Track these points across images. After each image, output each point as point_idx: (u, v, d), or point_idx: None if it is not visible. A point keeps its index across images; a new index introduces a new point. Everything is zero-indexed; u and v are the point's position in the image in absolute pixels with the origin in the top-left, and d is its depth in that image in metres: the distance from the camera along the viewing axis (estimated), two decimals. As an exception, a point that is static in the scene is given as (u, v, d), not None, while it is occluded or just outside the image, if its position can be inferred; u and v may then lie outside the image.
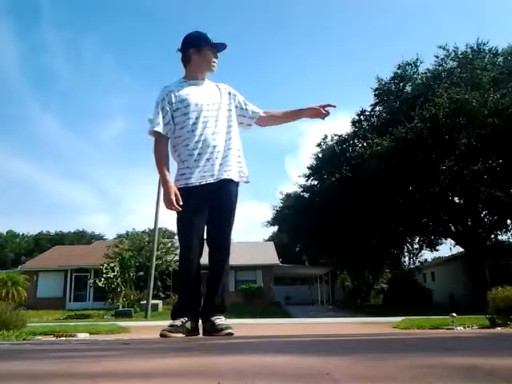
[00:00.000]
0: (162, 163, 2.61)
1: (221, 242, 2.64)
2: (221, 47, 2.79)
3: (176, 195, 2.51)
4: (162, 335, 2.42)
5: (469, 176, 16.85)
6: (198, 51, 2.72)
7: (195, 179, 2.57)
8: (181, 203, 2.51)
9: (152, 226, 20.59)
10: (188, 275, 2.64)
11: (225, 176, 2.60)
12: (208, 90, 2.76)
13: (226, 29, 64.54)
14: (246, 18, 79.25)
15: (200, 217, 2.62)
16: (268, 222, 28.67)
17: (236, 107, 2.83)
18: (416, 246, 23.58)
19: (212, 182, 2.59)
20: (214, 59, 2.76)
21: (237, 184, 2.69)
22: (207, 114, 2.67)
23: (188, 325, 2.50)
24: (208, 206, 2.60)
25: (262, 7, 75.66)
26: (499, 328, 4.48)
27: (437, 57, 21.32)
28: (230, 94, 2.83)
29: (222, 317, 2.54)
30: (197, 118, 2.66)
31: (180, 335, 2.43)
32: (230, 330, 2.42)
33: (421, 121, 18.12)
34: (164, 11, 77.31)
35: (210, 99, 2.72)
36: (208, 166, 2.59)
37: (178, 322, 2.48)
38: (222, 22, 68.04)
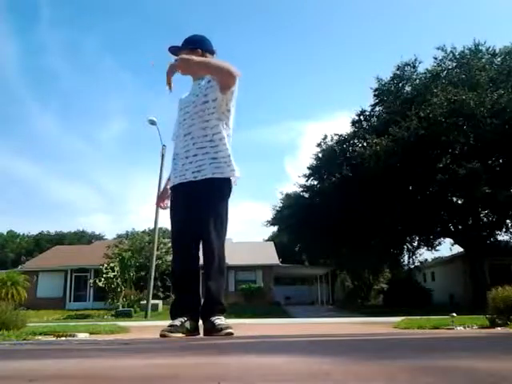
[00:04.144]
0: None
1: (204, 238, 2.58)
2: (172, 50, 2.83)
3: (159, 197, 2.96)
4: (161, 335, 2.43)
5: (467, 176, 16.87)
6: None
7: (172, 181, 2.74)
8: (162, 205, 2.93)
9: (152, 226, 20.61)
10: (175, 272, 2.71)
11: (195, 174, 2.59)
12: (195, 89, 2.77)
13: (225, 29, 64.55)
14: (245, 17, 79.26)
15: (181, 215, 2.65)
16: (268, 221, 28.72)
17: (213, 86, 2.64)
18: (415, 244, 23.68)
19: (185, 181, 2.61)
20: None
21: (215, 180, 2.57)
22: (182, 113, 2.77)
23: (187, 325, 2.50)
24: (192, 205, 2.59)
25: (261, 7, 75.64)
26: (499, 328, 4.48)
27: (435, 58, 21.38)
28: (210, 80, 2.68)
29: (222, 317, 2.51)
30: (177, 120, 2.82)
31: (180, 335, 2.43)
32: (229, 330, 2.41)
33: (419, 121, 18.16)
34: (164, 11, 77.31)
35: (190, 98, 2.76)
36: (180, 166, 2.68)
37: (177, 322, 2.48)
38: (221, 22, 68.06)
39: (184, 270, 2.65)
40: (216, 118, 2.65)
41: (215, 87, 2.62)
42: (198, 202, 2.57)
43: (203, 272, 2.60)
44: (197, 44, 2.78)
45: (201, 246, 2.64)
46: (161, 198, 2.94)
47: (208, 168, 2.57)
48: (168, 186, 2.88)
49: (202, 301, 2.62)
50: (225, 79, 2.58)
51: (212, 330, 2.44)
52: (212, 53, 2.82)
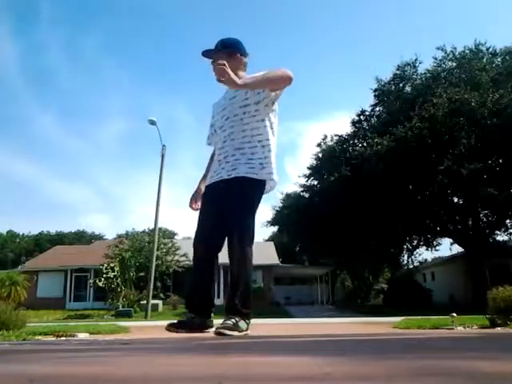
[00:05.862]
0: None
1: (231, 230, 2.54)
2: (206, 54, 2.72)
3: (192, 198, 2.87)
4: (167, 330, 2.48)
5: (467, 176, 16.86)
6: None
7: (208, 180, 2.75)
8: (194, 206, 2.85)
9: (152, 226, 20.62)
10: (193, 271, 2.69)
11: (229, 173, 2.57)
12: (231, 93, 2.72)
13: (224, 28, 64.47)
14: (246, 18, 79.27)
15: (208, 214, 2.65)
16: (268, 221, 28.72)
17: (256, 93, 2.60)
18: (415, 244, 23.72)
19: (217, 180, 2.62)
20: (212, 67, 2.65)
21: (247, 180, 2.52)
22: (218, 117, 2.77)
23: (195, 321, 2.52)
24: (221, 204, 2.58)
25: (263, 9, 75.66)
26: (499, 328, 4.48)
27: (435, 58, 21.37)
28: None
29: (236, 318, 2.38)
30: (212, 125, 2.85)
31: (184, 332, 2.45)
32: (220, 330, 2.31)
33: (420, 121, 18.15)
34: (164, 11, 77.29)
35: (227, 102, 2.73)
36: (218, 167, 2.67)
37: (185, 319, 2.54)
38: (220, 21, 68.06)
39: (195, 266, 2.66)
40: (257, 120, 2.62)
41: (256, 90, 2.58)
42: (227, 201, 2.54)
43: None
44: (234, 48, 2.73)
45: (217, 242, 2.65)
46: (194, 198, 2.86)
47: (242, 167, 2.54)
48: (202, 186, 2.87)
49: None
50: (278, 87, 2.57)
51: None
52: (246, 55, 2.79)
